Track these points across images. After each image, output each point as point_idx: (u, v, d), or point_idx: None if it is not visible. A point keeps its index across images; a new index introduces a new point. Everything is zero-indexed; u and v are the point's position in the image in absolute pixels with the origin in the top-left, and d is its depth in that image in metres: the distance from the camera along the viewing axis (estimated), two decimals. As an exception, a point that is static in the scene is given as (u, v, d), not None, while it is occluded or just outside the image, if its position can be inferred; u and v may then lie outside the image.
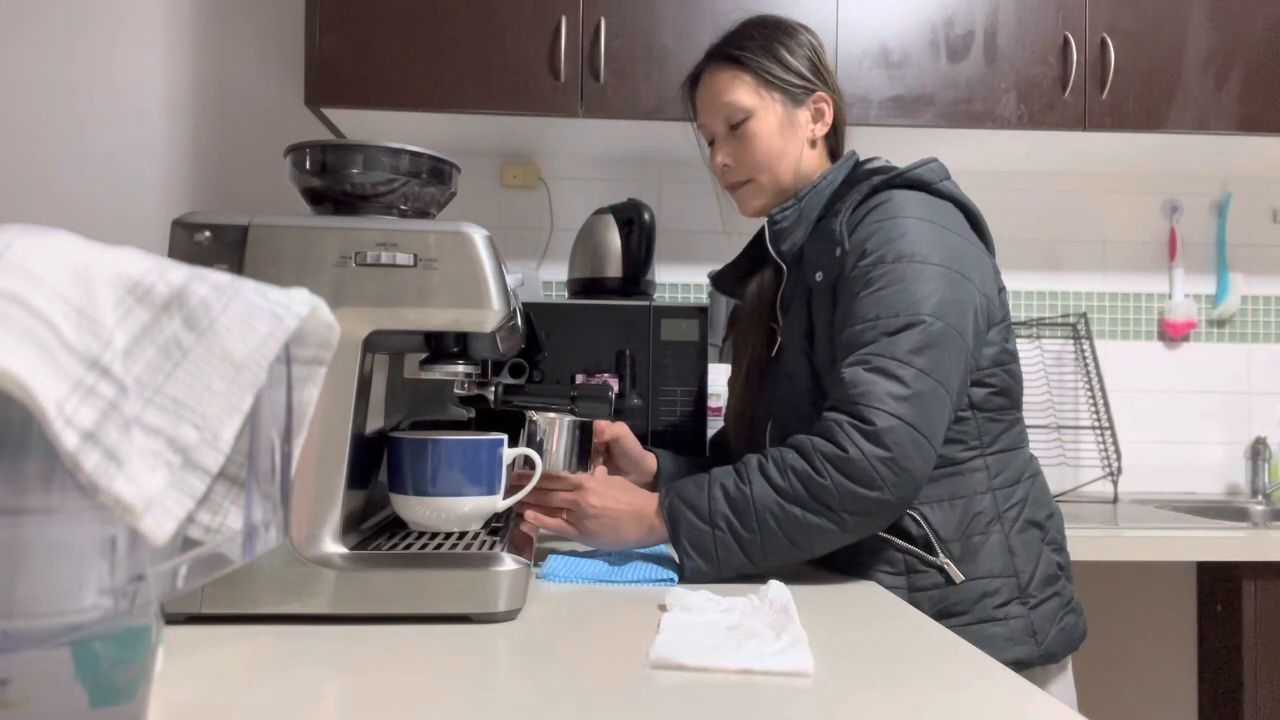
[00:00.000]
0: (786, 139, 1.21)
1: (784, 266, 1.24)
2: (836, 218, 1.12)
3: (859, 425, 0.98)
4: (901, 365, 1.00)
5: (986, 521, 1.09)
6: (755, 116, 1.21)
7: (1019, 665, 1.04)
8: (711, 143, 1.28)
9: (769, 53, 1.21)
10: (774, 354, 1.25)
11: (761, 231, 1.26)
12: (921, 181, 1.13)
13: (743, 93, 1.21)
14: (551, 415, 1.14)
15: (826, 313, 1.12)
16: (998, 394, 1.12)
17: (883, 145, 1.48)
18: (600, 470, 1.31)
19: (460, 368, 0.97)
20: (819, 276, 1.12)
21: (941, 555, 1.07)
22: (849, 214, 1.12)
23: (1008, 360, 1.14)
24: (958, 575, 1.06)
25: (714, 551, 1.00)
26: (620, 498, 1.08)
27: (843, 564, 1.10)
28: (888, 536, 1.08)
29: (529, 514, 1.07)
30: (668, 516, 1.03)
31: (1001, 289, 1.16)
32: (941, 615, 1.06)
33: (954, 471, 1.09)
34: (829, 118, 1.23)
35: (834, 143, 1.27)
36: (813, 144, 1.23)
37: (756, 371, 1.30)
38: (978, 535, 1.08)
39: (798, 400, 1.16)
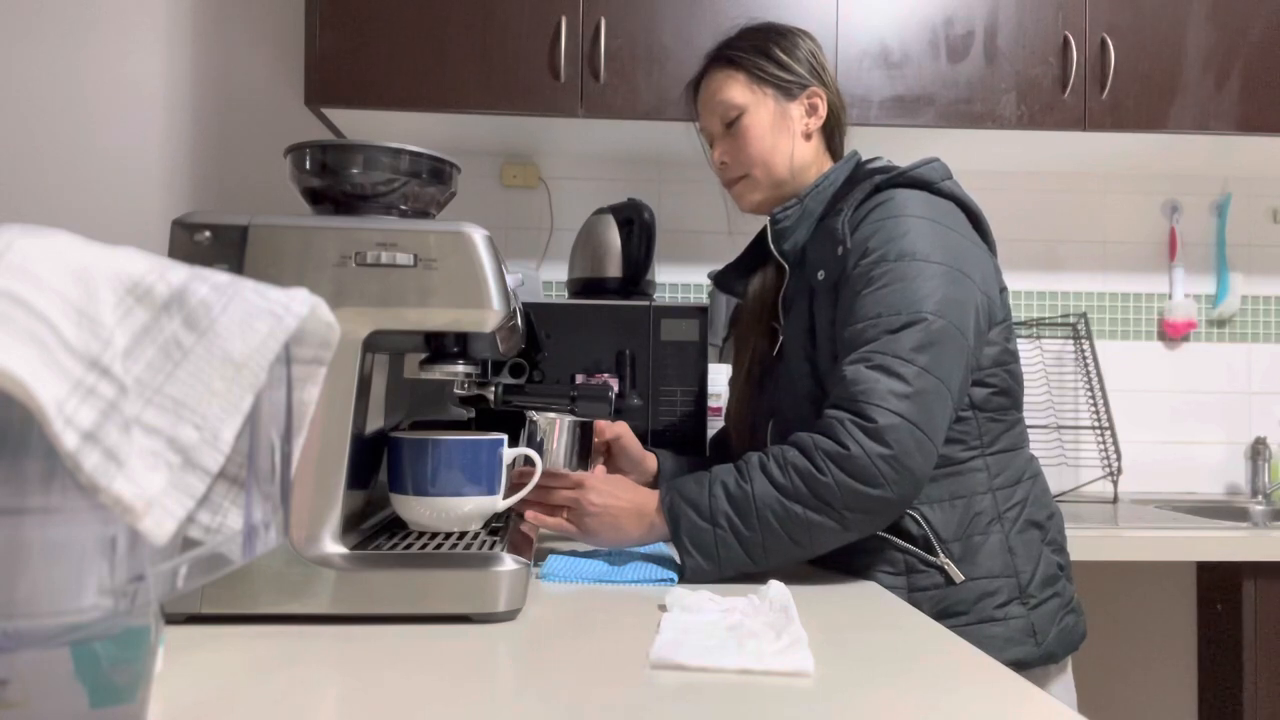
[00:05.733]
0: (779, 133, 1.22)
1: (786, 266, 1.24)
2: (838, 217, 1.13)
3: (860, 423, 0.98)
4: (903, 363, 1.00)
5: (987, 522, 1.09)
6: (748, 112, 1.22)
7: (1019, 665, 1.04)
8: (712, 144, 1.29)
9: (761, 51, 1.24)
10: (775, 353, 1.25)
11: (763, 231, 1.26)
12: (923, 181, 1.13)
13: (735, 90, 1.23)
14: (551, 415, 1.14)
15: (828, 312, 1.12)
16: (999, 394, 1.12)
17: (883, 145, 1.48)
18: (600, 469, 1.31)
19: (460, 368, 0.97)
20: (821, 275, 1.13)
21: (941, 555, 1.07)
22: (850, 213, 1.12)
23: (1009, 360, 1.14)
24: (958, 575, 1.06)
25: (715, 550, 1.00)
26: (621, 495, 1.08)
27: (843, 564, 1.10)
28: (888, 536, 1.08)
29: (529, 513, 1.07)
30: (668, 514, 1.03)
31: (1003, 289, 1.16)
32: (941, 615, 1.06)
33: (954, 471, 1.09)
34: (822, 111, 1.24)
35: (834, 143, 1.28)
36: (807, 137, 1.24)
37: (758, 371, 1.30)
38: (978, 535, 1.08)
39: (799, 400, 1.16)
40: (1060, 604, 1.11)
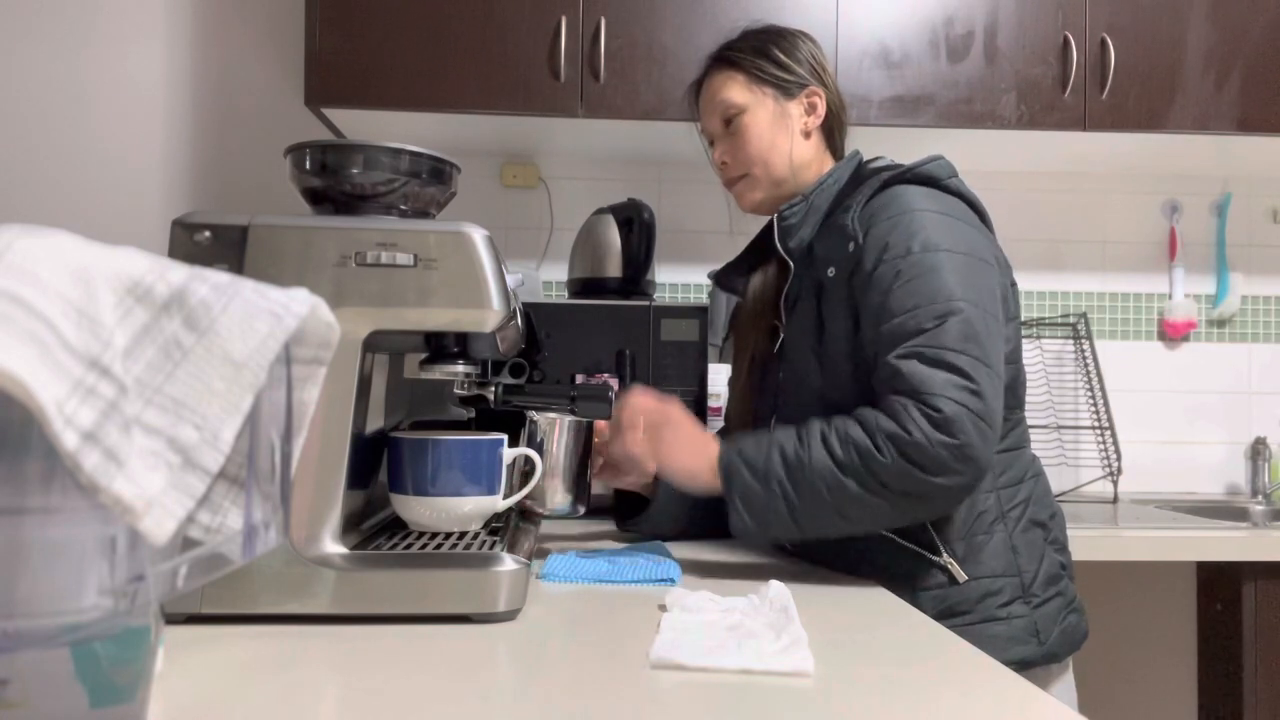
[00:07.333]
0: (777, 132, 1.23)
1: (791, 263, 1.24)
2: (846, 213, 1.13)
3: (926, 411, 0.98)
4: (955, 354, 1.00)
5: (990, 521, 1.09)
6: (748, 111, 1.23)
7: (1022, 665, 1.04)
8: (713, 144, 1.29)
9: (761, 52, 1.24)
10: (776, 351, 1.25)
11: (765, 229, 1.26)
12: (930, 177, 1.14)
13: (735, 90, 1.24)
14: (551, 415, 1.14)
15: (840, 308, 1.12)
16: (1006, 391, 1.12)
17: (883, 145, 1.48)
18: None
19: (460, 368, 0.97)
20: (831, 272, 1.13)
21: (945, 555, 1.07)
22: (859, 209, 1.13)
23: (1017, 358, 1.14)
24: (961, 575, 1.06)
25: (763, 511, 1.01)
26: (697, 427, 1.10)
27: (844, 563, 1.10)
28: (891, 536, 1.08)
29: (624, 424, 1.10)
30: (724, 468, 1.03)
31: (1013, 284, 1.17)
32: (944, 615, 1.06)
33: None
34: (821, 110, 1.25)
35: (835, 142, 1.28)
36: (806, 136, 1.24)
37: (758, 370, 1.30)
38: (981, 535, 1.08)
39: (803, 398, 1.16)
40: (1063, 603, 1.11)
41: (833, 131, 1.27)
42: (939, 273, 1.04)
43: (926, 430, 0.97)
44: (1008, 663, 1.05)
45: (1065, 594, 1.12)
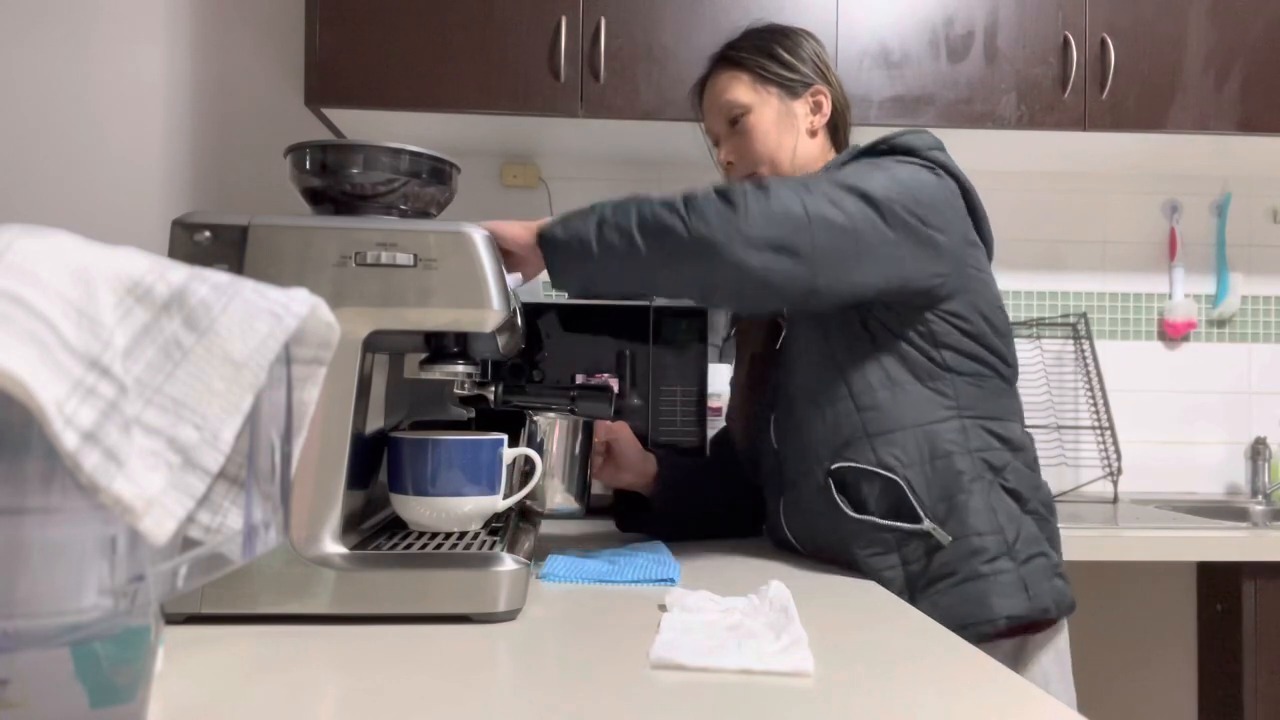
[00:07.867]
0: (783, 130, 1.23)
1: None
2: None
3: (758, 184, 1.02)
4: (824, 184, 1.03)
5: (968, 480, 1.09)
6: (753, 111, 1.23)
7: (1014, 620, 1.05)
8: (717, 144, 1.30)
9: (765, 51, 1.25)
10: (778, 347, 1.25)
11: None
12: (908, 148, 1.14)
13: (740, 90, 1.24)
14: (551, 415, 1.14)
15: None
16: (971, 359, 1.12)
17: (883, 145, 1.48)
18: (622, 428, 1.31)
19: (460, 368, 0.97)
20: None
21: (927, 520, 1.07)
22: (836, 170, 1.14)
23: (981, 335, 1.13)
24: (945, 537, 1.07)
25: (578, 221, 1.01)
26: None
27: (833, 552, 1.12)
28: (872, 519, 1.08)
29: None
30: (573, 212, 1.03)
31: (978, 269, 1.15)
32: (934, 580, 1.06)
33: (932, 432, 1.09)
34: (827, 109, 1.25)
35: (839, 140, 1.29)
36: (812, 134, 1.25)
37: (760, 366, 1.30)
38: (961, 494, 1.08)
39: (805, 394, 1.16)
40: (1048, 564, 1.11)
41: (837, 130, 1.28)
42: (869, 174, 1.07)
43: (748, 187, 1.01)
44: (999, 619, 1.05)
45: (1049, 558, 1.12)
